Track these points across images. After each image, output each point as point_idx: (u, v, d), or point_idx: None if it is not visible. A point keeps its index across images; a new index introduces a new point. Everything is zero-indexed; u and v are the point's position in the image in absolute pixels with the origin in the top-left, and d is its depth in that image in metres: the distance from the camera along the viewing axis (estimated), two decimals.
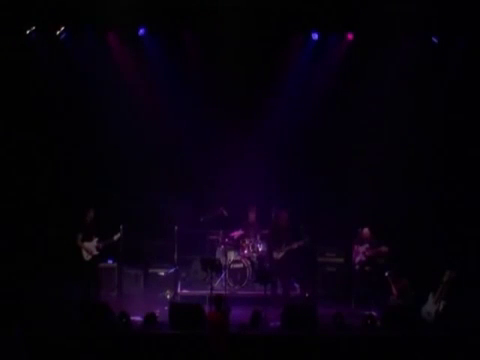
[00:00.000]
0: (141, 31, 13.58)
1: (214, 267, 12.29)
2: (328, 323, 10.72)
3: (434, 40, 13.52)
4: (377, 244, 12.53)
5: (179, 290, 13.19)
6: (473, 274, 12.38)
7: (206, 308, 11.07)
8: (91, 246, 12.54)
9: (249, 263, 13.36)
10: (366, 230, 12.73)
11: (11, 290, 11.68)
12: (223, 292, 12.08)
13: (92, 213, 12.57)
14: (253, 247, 13.65)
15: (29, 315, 10.64)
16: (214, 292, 11.39)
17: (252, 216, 13.74)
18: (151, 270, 13.61)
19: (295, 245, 12.65)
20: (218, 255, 13.63)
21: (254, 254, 13.63)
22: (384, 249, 12.35)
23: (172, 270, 13.31)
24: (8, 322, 9.81)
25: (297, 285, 13.40)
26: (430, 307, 11.25)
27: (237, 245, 13.76)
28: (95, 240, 12.58)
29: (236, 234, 13.86)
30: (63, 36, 13.48)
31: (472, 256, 12.86)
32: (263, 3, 12.68)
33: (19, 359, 9.45)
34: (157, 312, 11.03)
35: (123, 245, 12.86)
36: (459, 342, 10.22)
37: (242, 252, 13.65)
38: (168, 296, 12.88)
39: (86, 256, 12.52)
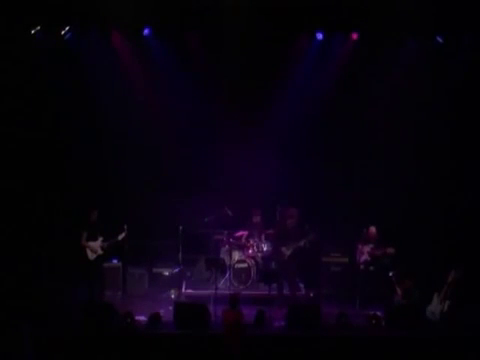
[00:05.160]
0: (146, 31, 13.60)
1: (219, 267, 12.34)
2: (332, 323, 10.76)
3: (439, 39, 13.50)
4: (382, 244, 12.51)
5: (184, 290, 13.20)
6: (478, 274, 12.36)
7: (210, 308, 11.08)
8: (96, 245, 12.54)
9: (253, 263, 13.36)
10: (373, 229, 12.68)
11: (16, 290, 11.69)
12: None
13: (96, 213, 12.57)
14: (258, 247, 13.66)
15: (34, 315, 10.65)
16: (233, 291, 11.55)
17: (257, 219, 13.76)
18: (156, 270, 13.63)
19: (302, 242, 12.58)
20: (222, 255, 13.64)
21: (258, 254, 13.64)
22: (390, 250, 12.31)
23: (177, 270, 13.32)
24: (16, 322, 9.87)
25: (302, 285, 13.39)
26: (435, 307, 11.24)
27: (241, 245, 13.76)
28: (100, 239, 12.58)
29: (240, 234, 13.88)
30: (68, 36, 13.50)
31: (477, 256, 12.83)
32: (267, 3, 12.67)
33: (27, 358, 9.52)
34: (162, 312, 11.08)
35: (128, 245, 12.89)
36: (464, 342, 10.21)
37: (246, 252, 13.65)
38: (173, 296, 12.92)
39: (91, 255, 12.51)
